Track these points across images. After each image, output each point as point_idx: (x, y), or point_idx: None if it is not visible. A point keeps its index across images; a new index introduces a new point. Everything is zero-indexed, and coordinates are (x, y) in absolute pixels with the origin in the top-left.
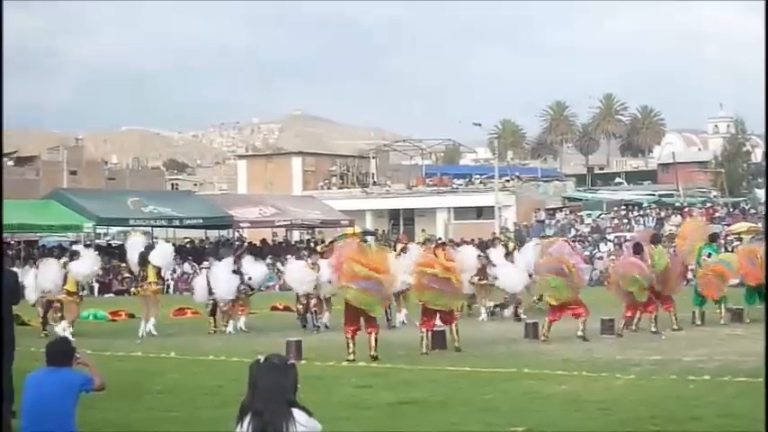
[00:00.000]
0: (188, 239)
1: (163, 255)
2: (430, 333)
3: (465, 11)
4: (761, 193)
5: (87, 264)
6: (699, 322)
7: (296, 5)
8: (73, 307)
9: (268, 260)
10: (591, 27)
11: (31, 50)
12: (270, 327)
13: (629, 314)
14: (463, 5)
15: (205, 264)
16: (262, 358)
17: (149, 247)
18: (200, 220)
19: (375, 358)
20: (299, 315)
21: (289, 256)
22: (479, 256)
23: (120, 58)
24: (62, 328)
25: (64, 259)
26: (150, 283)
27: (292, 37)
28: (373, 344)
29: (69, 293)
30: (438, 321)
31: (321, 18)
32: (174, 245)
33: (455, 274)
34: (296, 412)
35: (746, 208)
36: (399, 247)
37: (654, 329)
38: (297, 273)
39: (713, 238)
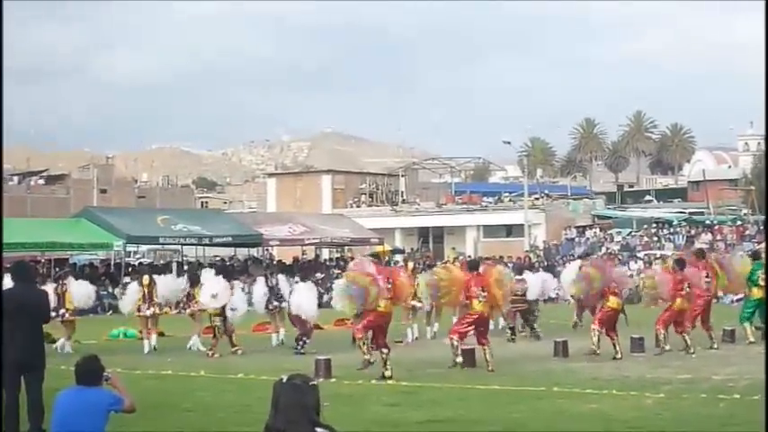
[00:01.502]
0: (217, 257)
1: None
2: (459, 341)
3: (492, 27)
4: None
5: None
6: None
7: (326, 22)
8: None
9: (297, 278)
10: (620, 43)
11: (62, 68)
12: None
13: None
14: (490, 22)
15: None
16: (285, 377)
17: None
18: (230, 239)
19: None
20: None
21: (318, 274)
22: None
23: (150, 75)
24: (61, 345)
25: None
26: (197, 301)
27: (323, 53)
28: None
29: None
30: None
31: (352, 35)
32: (200, 263)
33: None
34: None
35: None
36: (411, 265)
37: (686, 347)
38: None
39: (756, 255)
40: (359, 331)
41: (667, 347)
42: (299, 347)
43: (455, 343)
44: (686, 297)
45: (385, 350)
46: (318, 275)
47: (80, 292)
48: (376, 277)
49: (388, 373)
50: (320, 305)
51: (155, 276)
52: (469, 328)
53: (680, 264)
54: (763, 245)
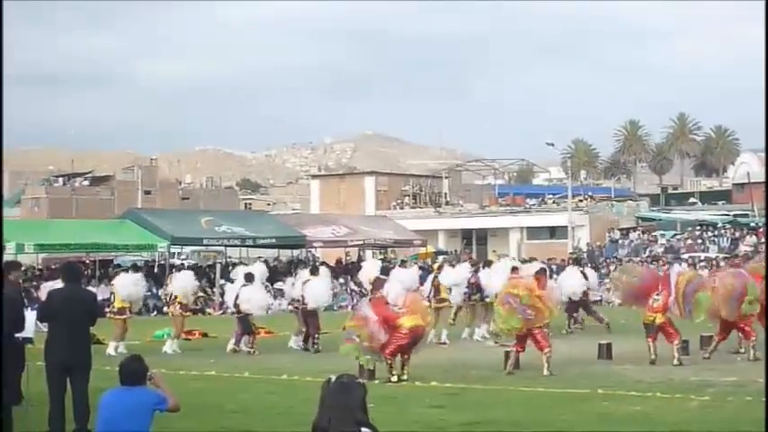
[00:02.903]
0: (261, 259)
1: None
2: (518, 354)
3: (536, 30)
4: None
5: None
6: None
7: (367, 24)
8: (119, 324)
9: (341, 280)
10: (664, 46)
11: (106, 70)
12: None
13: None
14: (534, 24)
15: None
16: (333, 377)
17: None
18: (273, 240)
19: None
20: None
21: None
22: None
23: (193, 77)
24: (113, 348)
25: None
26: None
27: (366, 57)
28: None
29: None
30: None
31: (392, 38)
32: (244, 264)
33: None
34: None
35: None
36: (436, 265)
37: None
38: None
39: None
40: (387, 356)
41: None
42: (316, 345)
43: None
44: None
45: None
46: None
47: (126, 283)
48: (368, 319)
49: (394, 379)
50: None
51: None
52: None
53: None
54: None
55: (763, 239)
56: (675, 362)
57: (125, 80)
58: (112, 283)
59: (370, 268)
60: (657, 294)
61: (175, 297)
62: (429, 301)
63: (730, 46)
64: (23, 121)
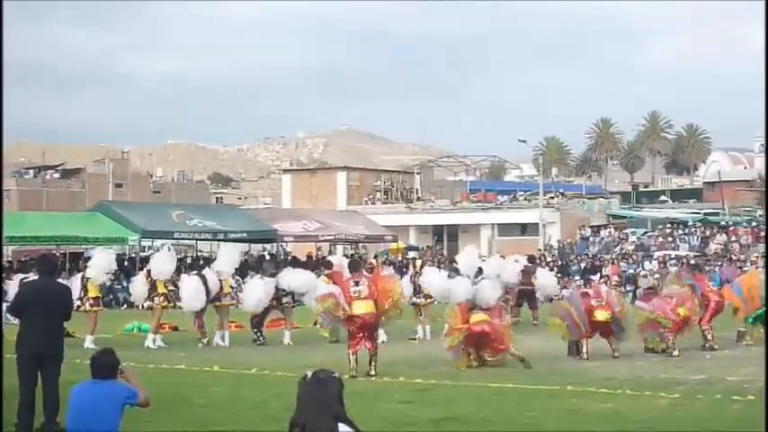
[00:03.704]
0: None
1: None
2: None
3: (512, 28)
4: None
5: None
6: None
7: (342, 21)
8: (92, 317)
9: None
10: (637, 47)
11: (78, 64)
12: (313, 341)
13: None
14: (510, 23)
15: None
16: (309, 373)
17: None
18: (245, 234)
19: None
20: None
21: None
22: None
23: (165, 72)
24: (91, 341)
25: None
26: (227, 294)
27: (338, 52)
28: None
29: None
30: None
31: (366, 34)
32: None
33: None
34: (342, 427)
35: None
36: (418, 263)
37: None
38: None
39: None
40: (350, 347)
41: (675, 353)
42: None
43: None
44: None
45: (371, 349)
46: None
47: (95, 263)
48: (329, 293)
49: (372, 372)
50: None
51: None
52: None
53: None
54: None
55: (733, 238)
56: (616, 354)
57: (97, 74)
58: (87, 266)
59: (337, 263)
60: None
61: (156, 287)
62: (414, 301)
63: (702, 46)
64: None
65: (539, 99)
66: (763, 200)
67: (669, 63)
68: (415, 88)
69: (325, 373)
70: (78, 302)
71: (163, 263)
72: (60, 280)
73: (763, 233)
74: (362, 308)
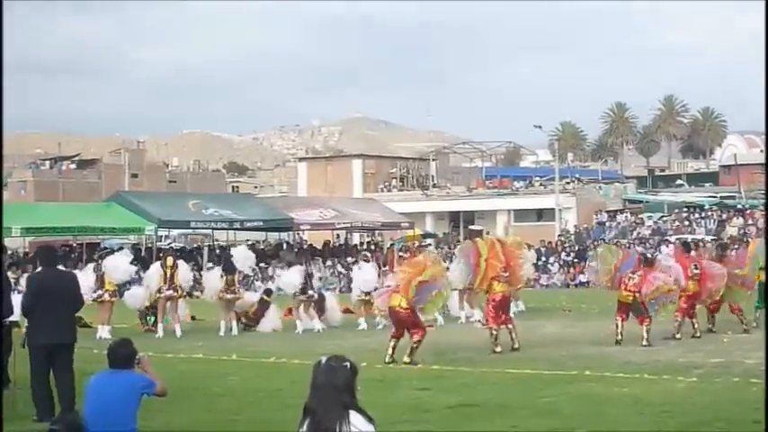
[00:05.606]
0: (249, 242)
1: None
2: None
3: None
4: None
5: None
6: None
7: (355, 10)
8: (108, 307)
9: (329, 263)
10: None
11: (94, 55)
12: (330, 329)
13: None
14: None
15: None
16: (323, 359)
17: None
18: (261, 223)
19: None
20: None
21: (349, 259)
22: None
23: (180, 61)
24: (107, 331)
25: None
26: (232, 288)
27: (353, 41)
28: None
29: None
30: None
31: (381, 23)
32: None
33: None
34: (353, 414)
35: None
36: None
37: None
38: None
39: None
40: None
41: (697, 334)
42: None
43: (494, 332)
44: (694, 279)
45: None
46: (349, 260)
47: (115, 265)
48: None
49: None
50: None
51: (179, 261)
52: (501, 311)
53: (686, 247)
54: None
55: (750, 221)
56: (644, 342)
57: (111, 64)
58: (104, 264)
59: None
60: (633, 273)
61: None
62: None
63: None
64: (11, 104)
65: (553, 85)
66: None
67: (684, 47)
68: (426, 74)
69: (337, 361)
70: (95, 294)
71: (117, 267)
72: (77, 271)
73: None
74: (393, 301)
